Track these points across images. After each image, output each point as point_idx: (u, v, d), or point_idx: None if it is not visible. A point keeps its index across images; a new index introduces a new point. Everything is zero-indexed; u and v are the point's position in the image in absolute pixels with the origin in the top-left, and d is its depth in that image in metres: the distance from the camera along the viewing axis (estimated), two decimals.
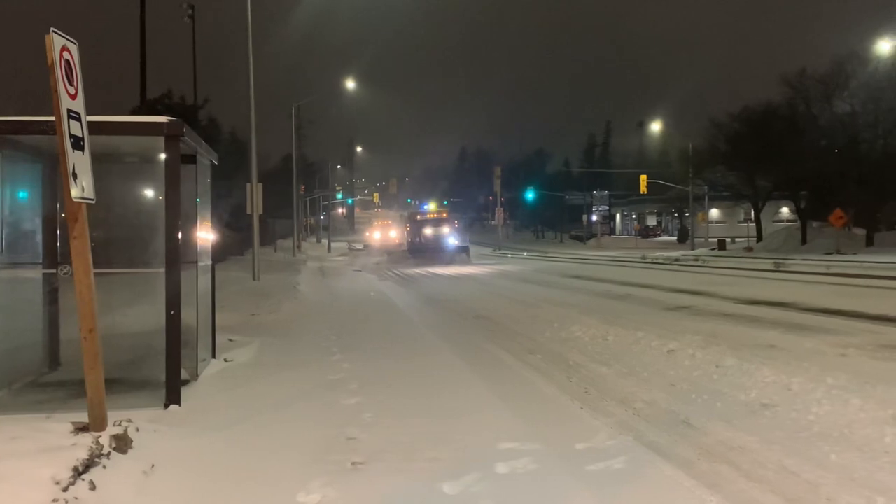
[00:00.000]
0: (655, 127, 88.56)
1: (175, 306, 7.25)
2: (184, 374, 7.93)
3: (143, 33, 30.92)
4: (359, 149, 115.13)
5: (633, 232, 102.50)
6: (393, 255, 52.12)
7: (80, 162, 5.18)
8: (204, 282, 9.41)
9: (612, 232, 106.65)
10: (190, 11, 42.33)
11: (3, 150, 7.93)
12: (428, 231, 51.36)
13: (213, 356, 9.89)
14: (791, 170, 57.97)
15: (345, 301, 20.04)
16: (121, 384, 8.18)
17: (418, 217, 55.99)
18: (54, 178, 9.10)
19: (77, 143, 5.18)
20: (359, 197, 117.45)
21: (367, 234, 79.63)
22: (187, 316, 8.12)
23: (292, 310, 16.49)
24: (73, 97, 5.19)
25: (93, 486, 4.44)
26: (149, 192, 9.68)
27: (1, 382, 7.97)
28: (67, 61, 5.12)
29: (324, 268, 40.18)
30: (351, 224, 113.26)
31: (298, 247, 56.17)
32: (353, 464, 5.62)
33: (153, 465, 5.04)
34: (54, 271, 8.47)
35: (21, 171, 8.79)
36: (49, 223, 9.04)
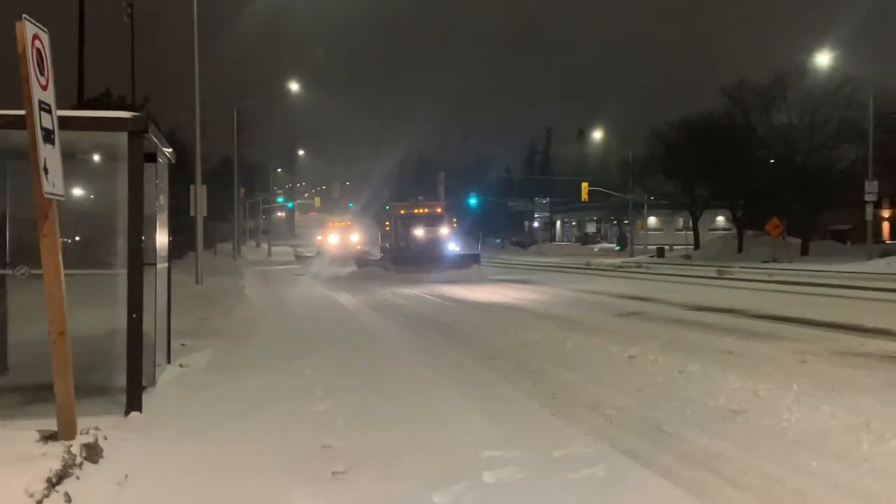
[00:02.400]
0: (597, 135, 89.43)
1: (137, 310, 7.00)
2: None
3: (82, 30, 30.19)
4: (301, 152, 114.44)
5: (573, 239, 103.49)
6: (367, 268, 35.85)
7: (50, 156, 4.95)
8: (159, 284, 9.14)
9: (552, 239, 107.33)
10: (129, 10, 41.78)
11: None
12: (419, 232, 36.34)
13: (169, 361, 9.61)
14: (728, 179, 58.96)
15: (295, 306, 19.77)
16: (80, 390, 7.87)
17: (403, 212, 38.23)
18: (3, 174, 8.78)
19: (48, 137, 4.94)
20: (299, 201, 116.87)
21: (320, 237, 63.00)
22: (144, 320, 7.86)
23: (244, 314, 16.19)
24: (45, 88, 4.96)
25: (68, 499, 4.21)
26: (103, 192, 9.37)
27: None
28: (39, 50, 4.89)
29: (267, 272, 39.56)
30: (291, 228, 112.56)
31: (238, 251, 55.52)
32: (333, 473, 5.42)
33: (126, 476, 4.82)
34: (8, 272, 8.13)
35: None
36: None
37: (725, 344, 11.96)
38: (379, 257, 39.17)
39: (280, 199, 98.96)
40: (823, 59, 49.69)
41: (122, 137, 7.14)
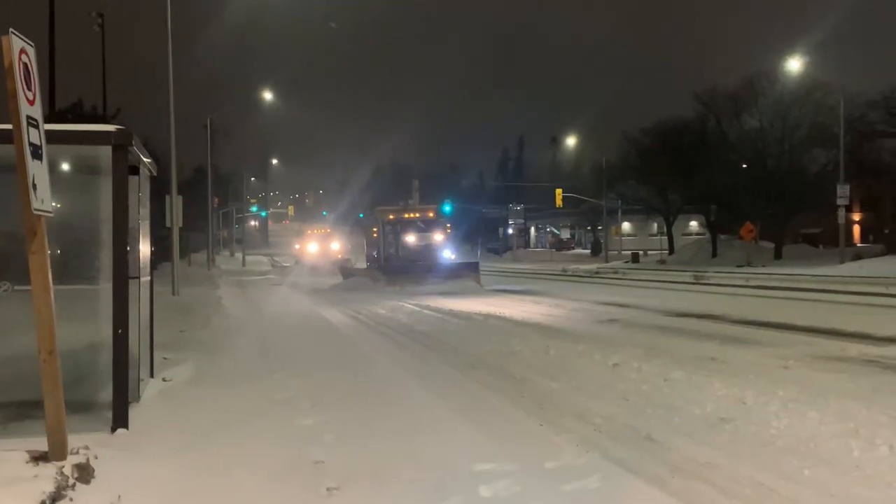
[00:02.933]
0: (570, 142, 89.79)
1: (123, 325, 6.91)
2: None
3: (52, 38, 30.01)
4: (275, 161, 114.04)
5: (548, 245, 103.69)
6: (354, 278, 33.40)
7: (38, 172, 4.88)
8: (142, 297, 9.05)
9: (527, 245, 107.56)
10: (100, 21, 41.57)
11: None
12: (412, 238, 32.35)
13: (151, 375, 9.51)
14: (701, 184, 59.41)
15: (275, 325, 19.66)
16: None
17: (392, 217, 34.02)
18: None
19: (36, 152, 4.87)
20: (272, 210, 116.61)
21: (298, 245, 60.23)
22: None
23: (221, 325, 16.07)
24: (32, 103, 4.89)
25: None
26: (82, 204, 9.26)
27: None
28: (25, 64, 4.82)
29: (243, 282, 39.24)
30: (265, 237, 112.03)
31: (213, 261, 55.20)
32: (328, 489, 5.34)
33: (119, 497, 4.75)
34: None
35: None
36: None
37: (708, 350, 12.01)
38: (365, 266, 36.31)
39: (254, 209, 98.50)
40: (794, 63, 50.22)
41: (105, 150, 7.08)
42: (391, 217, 33.68)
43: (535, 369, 10.59)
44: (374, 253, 35.14)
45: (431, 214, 34.50)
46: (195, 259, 56.65)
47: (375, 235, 34.83)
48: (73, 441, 5.48)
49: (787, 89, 54.86)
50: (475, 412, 7.98)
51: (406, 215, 34.20)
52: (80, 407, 7.80)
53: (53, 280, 8.48)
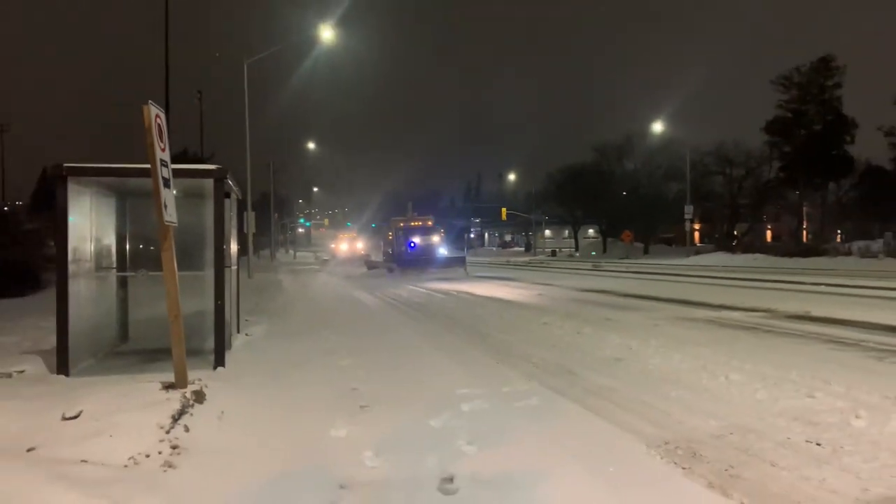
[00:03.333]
0: (511, 177, 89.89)
1: (221, 298, 6.80)
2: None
3: (167, 105, 29.59)
4: (315, 189, 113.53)
5: (497, 245, 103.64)
6: (376, 269, 31.79)
7: (168, 196, 4.81)
8: (233, 280, 8.93)
9: (482, 245, 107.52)
10: (198, 96, 41.43)
11: (91, 188, 7.34)
12: (417, 240, 31.20)
13: (238, 331, 9.40)
14: (597, 205, 59.95)
15: (320, 295, 19.46)
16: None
17: (402, 224, 33.62)
18: (123, 209, 8.54)
19: (166, 183, 4.80)
20: (314, 221, 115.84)
21: (333, 245, 57.79)
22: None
23: (284, 300, 15.90)
24: (164, 150, 4.82)
25: (187, 429, 4.09)
26: (192, 218, 9.16)
27: (90, 353, 7.36)
28: (159, 125, 4.75)
29: (296, 270, 38.77)
30: (309, 239, 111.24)
31: (273, 256, 54.71)
32: (360, 407, 5.31)
33: (223, 412, 4.69)
34: (131, 273, 7.91)
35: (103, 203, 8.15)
36: (121, 240, 8.45)
37: (605, 314, 12.01)
38: (382, 260, 34.12)
39: (301, 220, 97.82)
40: (657, 126, 50.55)
41: (208, 182, 6.98)
42: (401, 224, 32.79)
43: (494, 327, 10.58)
44: (389, 250, 33.32)
45: (430, 223, 33.45)
46: (262, 254, 56.10)
47: (390, 237, 32.76)
48: (190, 375, 5.42)
49: (652, 143, 55.32)
50: (458, 356, 7.96)
51: (412, 223, 33.21)
52: (192, 353, 7.62)
53: (183, 269, 8.43)
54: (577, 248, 69.75)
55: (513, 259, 59.22)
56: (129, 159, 6.56)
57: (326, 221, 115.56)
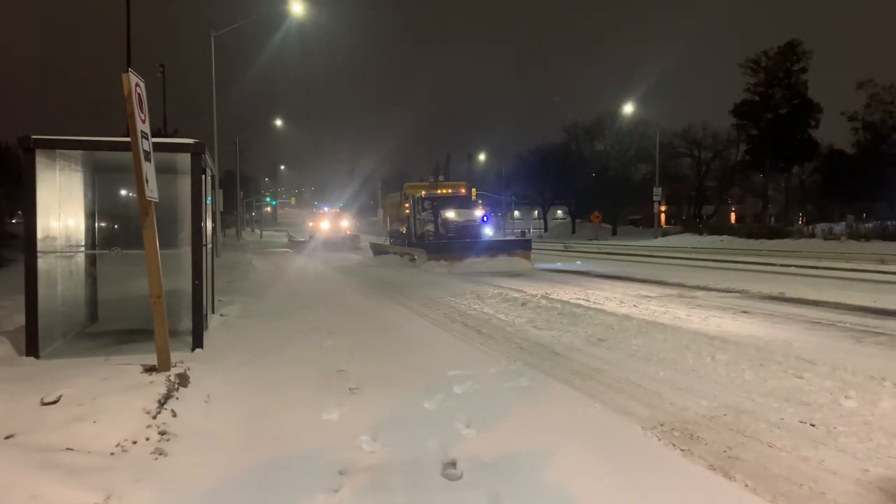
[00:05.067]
0: (481, 157, 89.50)
1: (199, 277, 6.59)
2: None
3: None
4: (282, 167, 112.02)
5: None
6: (389, 256, 22.58)
7: (149, 170, 4.58)
8: (206, 259, 8.68)
9: None
10: (161, 69, 40.25)
11: (60, 162, 7.01)
12: (451, 215, 20.88)
13: (213, 311, 9.17)
14: (566, 186, 60.22)
15: (290, 270, 19.18)
16: (149, 333, 7.41)
17: (424, 193, 23.20)
18: (92, 184, 8.21)
19: (147, 157, 4.57)
20: (280, 200, 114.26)
21: (311, 224, 47.02)
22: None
23: (256, 279, 15.61)
24: (144, 122, 4.58)
25: (174, 414, 3.92)
26: (163, 194, 8.86)
27: (59, 334, 7.08)
28: (139, 94, 4.50)
29: (266, 252, 37.92)
30: (275, 218, 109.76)
31: (239, 235, 53.85)
32: (350, 389, 5.19)
33: (209, 396, 4.53)
34: (104, 251, 7.61)
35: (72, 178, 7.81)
36: (91, 217, 8.13)
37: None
38: (391, 241, 24.62)
39: (268, 199, 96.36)
40: (628, 107, 50.83)
41: (184, 157, 6.73)
42: (423, 193, 22.79)
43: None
44: (402, 230, 23.44)
45: (463, 191, 24.26)
46: (228, 233, 55.14)
47: (406, 211, 22.50)
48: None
49: (622, 124, 55.68)
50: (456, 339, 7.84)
51: (439, 191, 23.80)
52: (171, 334, 7.46)
53: (143, 247, 8.17)
54: (546, 229, 70.15)
55: None
56: (79, 134, 6.23)
57: (293, 200, 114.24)
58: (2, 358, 6.07)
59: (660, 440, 4.21)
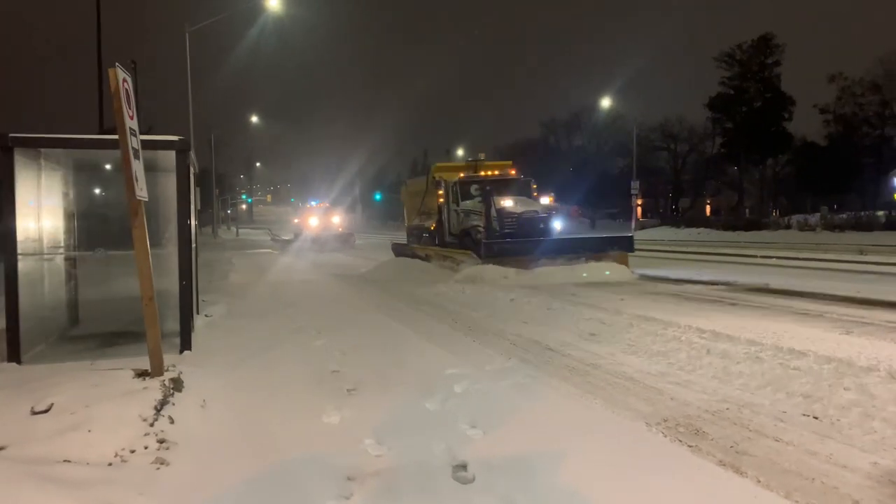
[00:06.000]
0: (459, 153, 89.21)
1: (187, 277, 6.43)
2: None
3: (100, 75, 28.07)
4: (258, 164, 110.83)
5: None
6: (407, 256, 17.51)
7: (138, 168, 4.43)
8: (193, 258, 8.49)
9: None
10: (133, 65, 39.43)
11: (41, 162, 6.78)
12: (511, 204, 14.58)
13: (197, 312, 8.97)
14: (543, 181, 60.41)
15: (275, 271, 18.87)
16: (133, 335, 7.26)
17: (463, 176, 16.32)
18: (72, 184, 7.98)
19: (136, 154, 4.41)
20: (256, 197, 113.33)
21: (297, 220, 42.30)
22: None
23: (238, 278, 15.35)
24: (132, 118, 4.42)
25: (171, 421, 3.79)
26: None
27: (40, 338, 6.87)
28: (126, 90, 4.35)
29: (245, 252, 37.28)
30: (251, 216, 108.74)
31: (216, 233, 53.21)
32: (347, 391, 5.09)
33: (204, 400, 4.39)
34: (87, 253, 7.41)
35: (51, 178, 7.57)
36: (70, 217, 7.91)
37: (570, 290, 11.97)
38: (421, 242, 18.51)
39: (244, 196, 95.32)
40: (605, 102, 51.06)
41: (168, 154, 6.55)
42: (461, 175, 16.71)
43: (458, 303, 10.41)
44: (428, 225, 17.95)
45: (513, 172, 17.61)
46: (204, 231, 54.44)
47: (440, 200, 16.59)
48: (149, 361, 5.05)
49: (600, 118, 55.93)
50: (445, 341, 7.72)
51: (485, 173, 17.10)
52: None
53: (127, 247, 7.94)
54: None
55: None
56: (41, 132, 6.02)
57: (269, 197, 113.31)
58: None
59: (666, 436, 4.19)
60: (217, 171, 69.08)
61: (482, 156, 18.84)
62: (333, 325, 8.47)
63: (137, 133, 4.49)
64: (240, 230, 70.76)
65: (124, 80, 4.26)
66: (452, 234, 16.21)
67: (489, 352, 6.78)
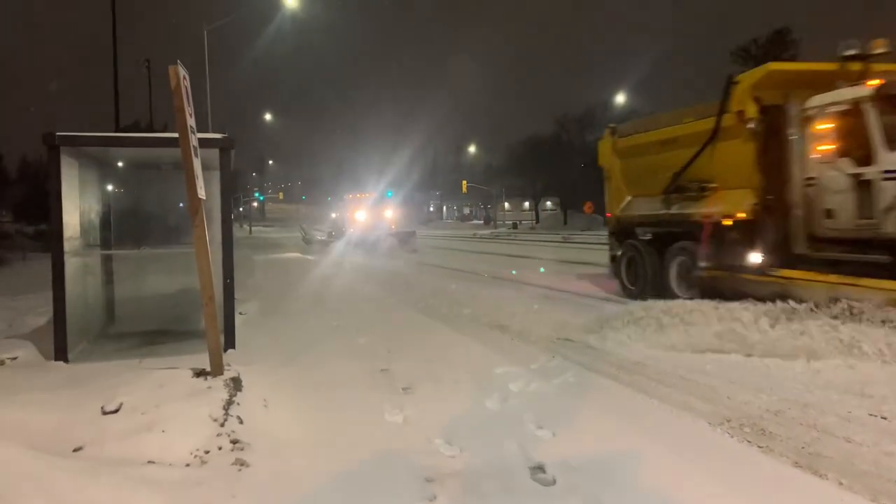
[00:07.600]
0: (471, 149, 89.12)
1: (230, 275, 6.43)
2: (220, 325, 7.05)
3: (116, 75, 28.19)
4: (270, 162, 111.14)
5: (455, 218, 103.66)
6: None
7: (198, 167, 4.40)
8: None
9: (441, 218, 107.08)
10: (147, 64, 39.50)
11: (80, 160, 6.77)
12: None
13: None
14: (556, 177, 60.15)
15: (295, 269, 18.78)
16: (173, 334, 7.27)
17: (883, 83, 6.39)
18: (110, 182, 8.00)
19: (196, 152, 4.38)
20: (268, 195, 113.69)
21: (335, 214, 35.19)
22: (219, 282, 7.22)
23: (263, 275, 15.32)
24: (191, 116, 4.40)
25: (241, 421, 3.77)
26: (179, 191, 8.61)
27: (82, 336, 6.88)
28: (186, 87, 4.32)
29: (263, 253, 37.06)
30: (263, 214, 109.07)
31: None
32: (402, 389, 5.05)
33: (265, 399, 4.36)
34: (121, 251, 7.44)
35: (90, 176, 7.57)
36: (105, 216, 7.92)
37: (594, 283, 11.85)
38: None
39: (256, 194, 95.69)
40: (620, 97, 50.86)
41: (212, 153, 6.51)
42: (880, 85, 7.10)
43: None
44: (695, 214, 9.16)
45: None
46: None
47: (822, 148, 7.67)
48: (198, 360, 4.95)
49: (613, 115, 55.53)
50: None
51: None
52: (191, 335, 7.29)
53: (170, 244, 7.94)
54: (537, 220, 70.06)
55: (478, 232, 58.94)
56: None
57: (281, 195, 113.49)
58: (31, 363, 5.88)
59: (733, 437, 4.12)
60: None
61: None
62: (369, 320, 8.41)
63: (195, 132, 4.46)
64: (253, 228, 71.02)
65: (184, 78, 4.23)
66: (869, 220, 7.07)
67: None
